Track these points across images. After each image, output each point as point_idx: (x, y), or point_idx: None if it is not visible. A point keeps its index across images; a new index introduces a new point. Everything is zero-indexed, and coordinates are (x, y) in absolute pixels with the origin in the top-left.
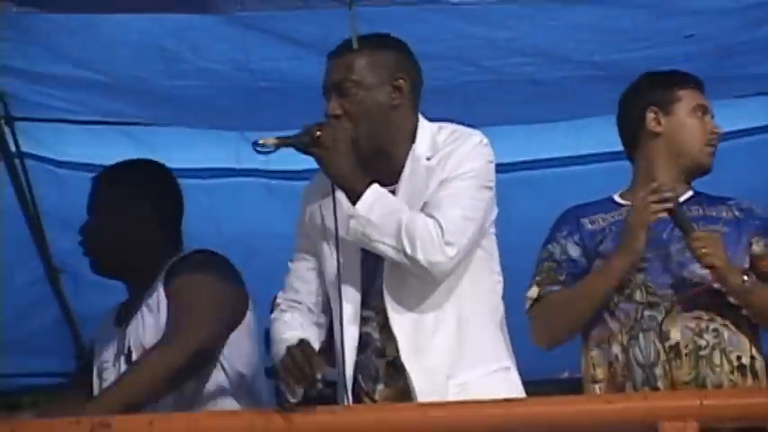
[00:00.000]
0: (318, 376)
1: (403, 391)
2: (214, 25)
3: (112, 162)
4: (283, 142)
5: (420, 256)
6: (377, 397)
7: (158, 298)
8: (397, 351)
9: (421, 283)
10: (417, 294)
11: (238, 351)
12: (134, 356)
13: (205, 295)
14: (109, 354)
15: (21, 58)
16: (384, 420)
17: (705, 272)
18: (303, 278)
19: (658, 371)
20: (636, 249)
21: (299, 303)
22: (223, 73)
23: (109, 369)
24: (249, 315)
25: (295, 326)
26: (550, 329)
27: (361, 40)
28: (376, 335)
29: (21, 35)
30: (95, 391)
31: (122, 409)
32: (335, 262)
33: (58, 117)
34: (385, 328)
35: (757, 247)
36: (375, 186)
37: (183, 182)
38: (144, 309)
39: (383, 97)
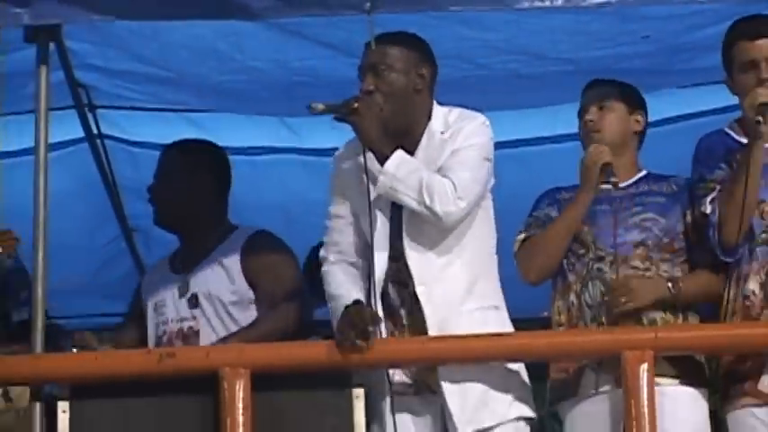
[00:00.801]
0: (370, 329)
1: (421, 319)
2: (257, 30)
3: (177, 142)
4: (328, 108)
5: (437, 207)
6: (404, 322)
7: (232, 261)
8: (413, 283)
9: (435, 229)
10: (430, 239)
11: None
12: (200, 299)
13: (293, 271)
14: (167, 294)
15: (101, 57)
16: (429, 348)
17: (643, 235)
18: (342, 233)
19: (603, 309)
20: (593, 184)
21: (342, 254)
22: (265, 70)
23: (168, 306)
24: None
25: (346, 283)
26: (537, 260)
27: (394, 34)
28: (397, 272)
29: (101, 39)
30: (149, 324)
31: None
32: (368, 214)
33: (131, 105)
34: (401, 264)
35: (690, 219)
36: (400, 150)
37: (231, 158)
38: (214, 264)
39: (409, 81)
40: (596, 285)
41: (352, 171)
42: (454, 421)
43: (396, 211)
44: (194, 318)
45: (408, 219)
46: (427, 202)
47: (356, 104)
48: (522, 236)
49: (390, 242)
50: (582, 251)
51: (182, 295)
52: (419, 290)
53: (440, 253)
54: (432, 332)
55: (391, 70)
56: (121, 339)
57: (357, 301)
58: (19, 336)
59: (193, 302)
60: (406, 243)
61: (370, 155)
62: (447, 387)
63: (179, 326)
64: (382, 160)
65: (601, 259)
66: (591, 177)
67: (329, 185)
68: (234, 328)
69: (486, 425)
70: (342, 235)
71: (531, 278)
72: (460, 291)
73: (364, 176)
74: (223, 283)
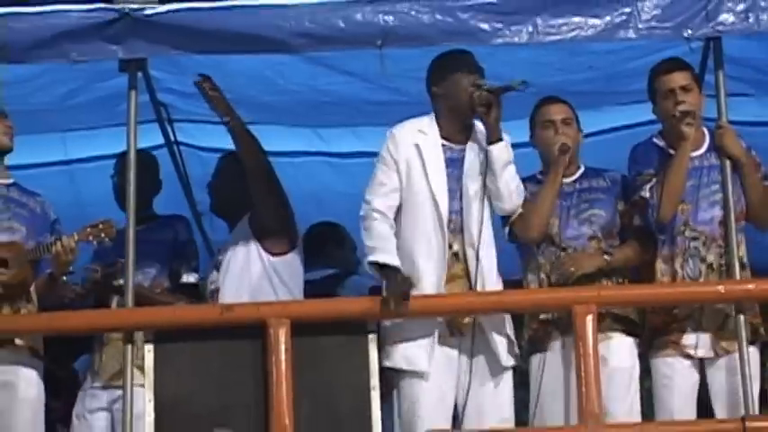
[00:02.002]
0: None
1: (459, 275)
2: (294, 62)
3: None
4: (500, 90)
5: (515, 199)
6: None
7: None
8: (463, 246)
9: (489, 211)
10: (479, 217)
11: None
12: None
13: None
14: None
15: (177, 83)
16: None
17: (593, 228)
18: (388, 197)
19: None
20: (562, 165)
21: (384, 215)
22: (300, 92)
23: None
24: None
25: (389, 243)
26: (534, 221)
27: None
28: (450, 236)
29: (177, 69)
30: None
31: None
32: (426, 183)
33: (199, 119)
34: (456, 231)
35: (621, 207)
36: (506, 138)
37: (275, 159)
38: None
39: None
40: (561, 267)
41: (414, 147)
42: (500, 356)
43: (454, 184)
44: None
45: (478, 197)
46: (512, 187)
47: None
48: (519, 211)
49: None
50: (549, 239)
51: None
52: (483, 258)
53: (482, 228)
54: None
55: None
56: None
57: (396, 268)
58: (182, 292)
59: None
60: (465, 216)
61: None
62: (490, 332)
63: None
64: (497, 140)
65: (564, 249)
66: (558, 160)
67: (384, 158)
68: None
69: (509, 364)
70: (387, 200)
71: (533, 235)
72: (489, 254)
73: (441, 152)
74: None
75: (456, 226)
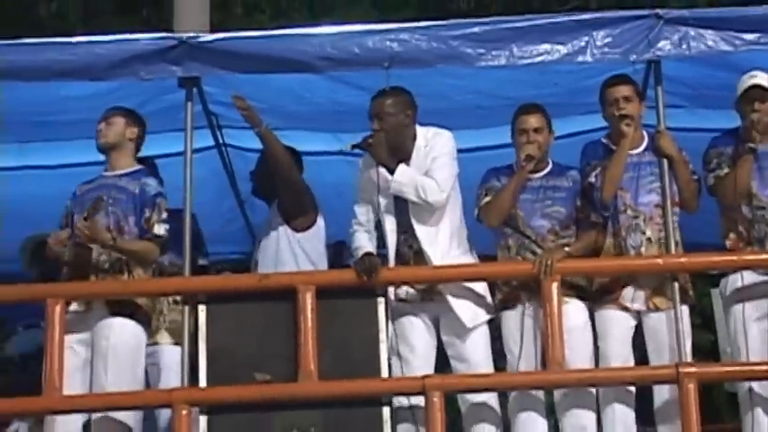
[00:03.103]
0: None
1: (425, 264)
2: (318, 79)
3: None
4: (355, 145)
5: (429, 198)
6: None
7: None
8: (419, 243)
9: (428, 211)
10: (428, 216)
11: None
12: None
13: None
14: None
15: (224, 96)
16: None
17: (553, 221)
18: (364, 213)
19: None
20: (526, 170)
21: (363, 226)
22: (322, 103)
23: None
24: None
25: (364, 241)
26: (494, 212)
27: (390, 89)
28: (406, 237)
29: (224, 84)
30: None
31: None
32: (379, 204)
33: (242, 126)
34: (409, 233)
35: (578, 203)
36: (402, 165)
37: (307, 159)
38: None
39: (401, 120)
40: (527, 252)
41: (369, 177)
42: (461, 319)
43: (401, 202)
44: None
45: (412, 207)
46: (422, 196)
47: (370, 140)
48: (487, 199)
49: (397, 220)
50: (515, 228)
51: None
52: (424, 246)
53: (432, 224)
54: None
55: (388, 115)
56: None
57: (369, 253)
58: (199, 273)
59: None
60: (414, 221)
61: (381, 169)
62: (450, 298)
63: None
64: (391, 172)
65: (528, 237)
66: (523, 167)
67: (357, 183)
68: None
69: (480, 321)
70: (363, 216)
71: (492, 223)
72: (447, 244)
73: (376, 182)
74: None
75: (409, 229)
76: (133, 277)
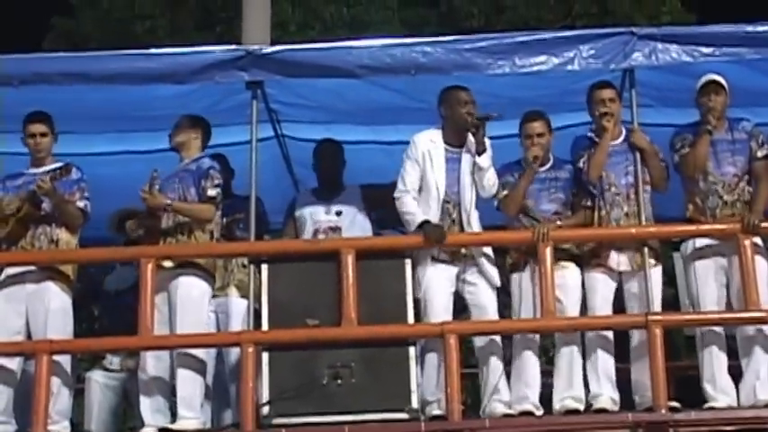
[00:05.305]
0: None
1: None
2: (359, 83)
3: (321, 139)
4: (484, 118)
5: (492, 189)
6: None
7: (355, 198)
8: (460, 214)
9: (476, 192)
10: (472, 194)
11: None
12: (343, 216)
13: None
14: (320, 212)
15: (282, 96)
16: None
17: (556, 206)
18: (413, 181)
19: None
20: (533, 169)
21: (410, 193)
22: (362, 102)
23: (322, 222)
24: None
25: (415, 206)
26: (512, 205)
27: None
28: (448, 207)
29: (282, 87)
30: (307, 224)
31: None
32: (434, 176)
33: (297, 120)
34: (452, 203)
35: (573, 190)
36: (488, 150)
37: (348, 147)
38: (344, 199)
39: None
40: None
41: (428, 150)
42: (491, 275)
43: (454, 176)
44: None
45: (465, 183)
46: (490, 183)
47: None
48: (505, 192)
49: (447, 191)
50: (526, 213)
51: (329, 212)
52: (467, 217)
53: (471, 200)
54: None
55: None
56: (286, 233)
57: (427, 221)
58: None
59: (338, 213)
60: (463, 195)
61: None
62: (482, 260)
63: (329, 225)
64: (481, 152)
65: (537, 220)
66: (530, 166)
67: (408, 154)
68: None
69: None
70: (411, 182)
71: (510, 213)
72: (475, 217)
73: (444, 153)
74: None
75: (454, 201)
76: (196, 239)
